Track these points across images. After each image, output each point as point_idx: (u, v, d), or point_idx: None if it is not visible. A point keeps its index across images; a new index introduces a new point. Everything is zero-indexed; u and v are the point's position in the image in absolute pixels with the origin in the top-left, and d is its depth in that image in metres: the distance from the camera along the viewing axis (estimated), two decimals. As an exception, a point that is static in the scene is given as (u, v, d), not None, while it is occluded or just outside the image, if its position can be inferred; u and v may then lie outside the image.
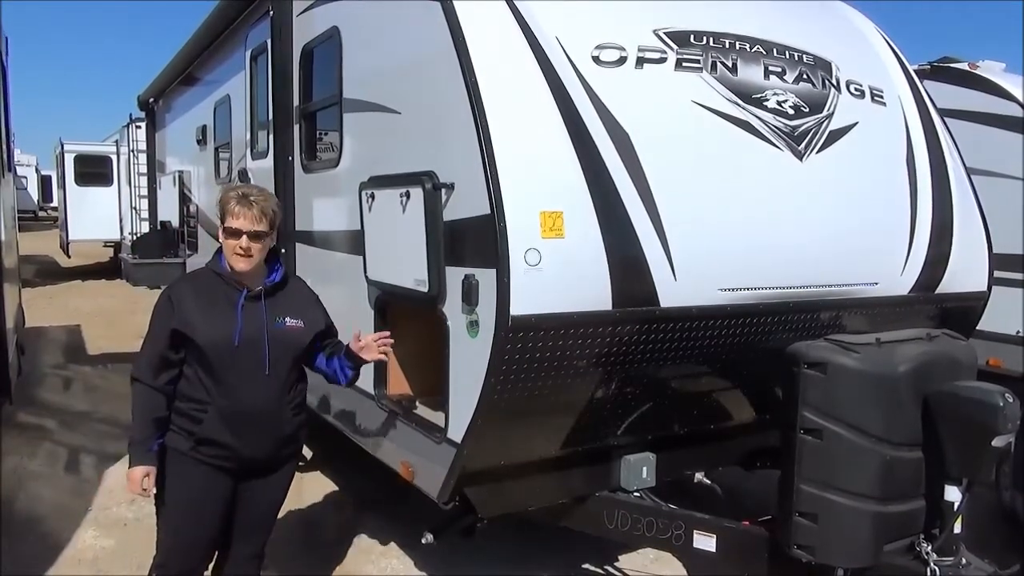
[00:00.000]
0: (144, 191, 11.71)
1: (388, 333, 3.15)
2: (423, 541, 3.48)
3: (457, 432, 3.05)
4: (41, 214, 31.37)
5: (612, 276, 2.90)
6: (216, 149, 6.85)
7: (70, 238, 16.15)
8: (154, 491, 2.80)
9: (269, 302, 2.86)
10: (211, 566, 3.07)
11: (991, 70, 5.77)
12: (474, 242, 2.89)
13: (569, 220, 2.82)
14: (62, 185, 16.85)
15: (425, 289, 3.11)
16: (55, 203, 23.49)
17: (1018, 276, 5.10)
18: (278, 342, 2.83)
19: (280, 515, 4.78)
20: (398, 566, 4.26)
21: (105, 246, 17.45)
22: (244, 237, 2.76)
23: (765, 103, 3.41)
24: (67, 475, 5.45)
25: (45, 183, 30.56)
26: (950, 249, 3.96)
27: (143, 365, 2.78)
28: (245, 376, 2.77)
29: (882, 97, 3.97)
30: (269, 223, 2.81)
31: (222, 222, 2.81)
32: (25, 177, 28.13)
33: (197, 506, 2.83)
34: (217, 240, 6.66)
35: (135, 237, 12.00)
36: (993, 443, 2.78)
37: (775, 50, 3.57)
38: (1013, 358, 5.08)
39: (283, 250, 4.77)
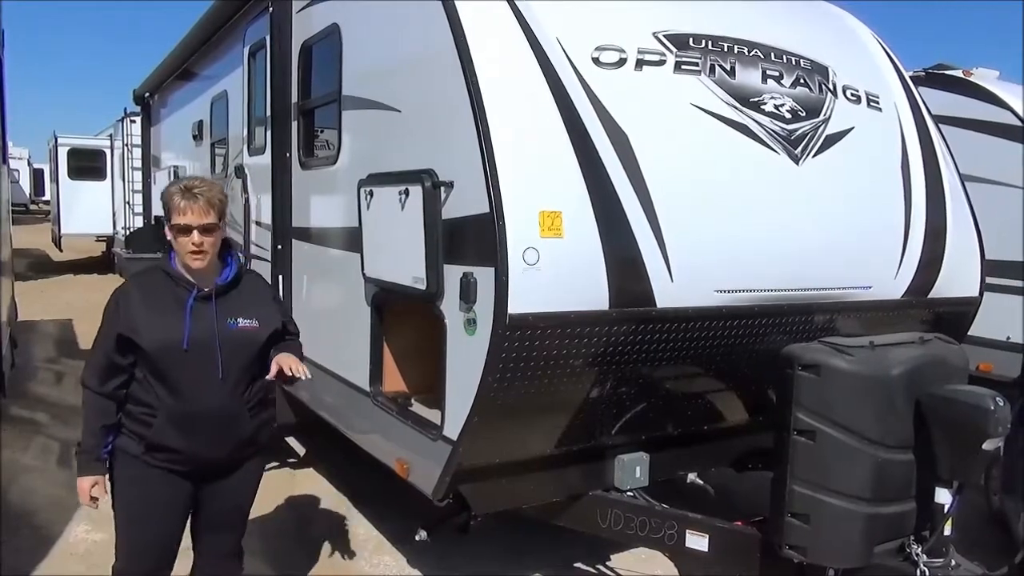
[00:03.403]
0: (138, 186, 11.69)
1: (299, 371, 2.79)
2: (417, 538, 3.49)
3: (453, 429, 3.06)
4: (33, 207, 31.21)
5: (609, 276, 2.92)
6: (212, 145, 6.85)
7: (63, 232, 16.10)
8: (107, 498, 2.70)
9: (220, 301, 2.73)
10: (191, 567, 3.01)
11: (985, 77, 5.82)
12: (473, 240, 2.90)
13: (568, 220, 2.84)
14: (55, 179, 16.80)
15: (423, 287, 3.12)
16: (47, 197, 23.38)
17: (1007, 283, 5.15)
18: (231, 344, 2.71)
19: (273, 511, 4.82)
20: (391, 563, 4.27)
21: (97, 240, 17.39)
22: (195, 232, 2.62)
23: (762, 107, 3.43)
24: (59, 469, 5.43)
25: (37, 176, 30.38)
26: (943, 254, 3.99)
27: (91, 371, 2.67)
28: (197, 380, 2.65)
29: (878, 103, 4.00)
30: (218, 214, 2.68)
31: (168, 220, 2.67)
32: (17, 170, 27.96)
33: (150, 510, 2.73)
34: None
35: (129, 232, 11.97)
36: (984, 446, 2.81)
37: (773, 54, 3.60)
38: (1003, 362, 5.12)
39: (283, 249, 4.78)
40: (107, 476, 2.71)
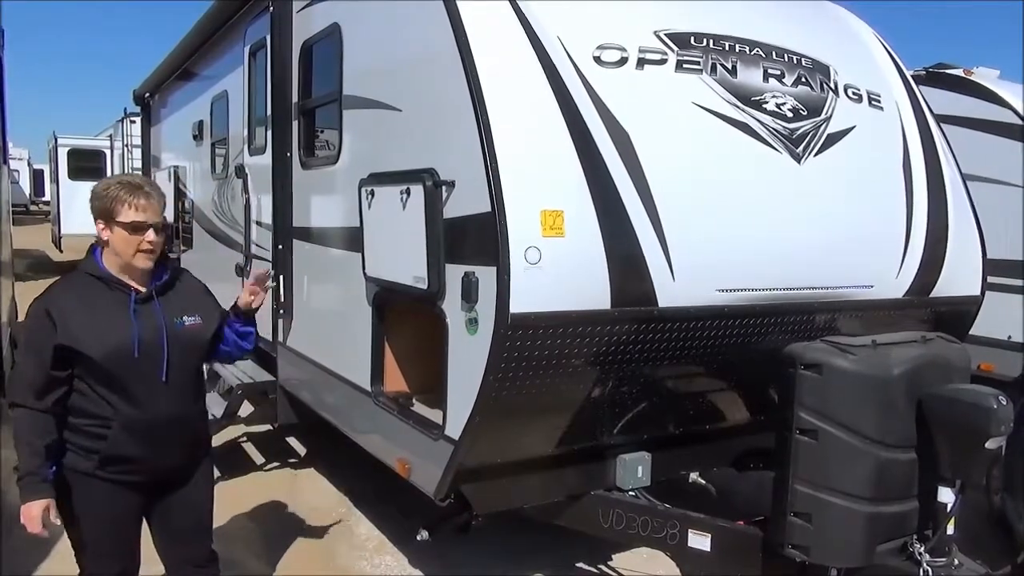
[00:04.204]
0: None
1: (266, 271, 3.06)
2: (418, 538, 3.49)
3: (455, 429, 3.06)
4: (33, 208, 31.18)
5: (611, 275, 2.92)
6: (212, 145, 6.84)
7: (63, 232, 16.09)
8: (57, 522, 2.52)
9: (162, 301, 2.64)
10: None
11: (986, 77, 5.82)
12: (474, 240, 2.90)
13: (569, 219, 2.83)
14: (55, 179, 16.80)
15: (424, 286, 3.11)
16: (47, 197, 23.38)
17: (1008, 282, 5.14)
18: (179, 344, 2.63)
19: (274, 511, 4.81)
20: (392, 563, 4.27)
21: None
22: (151, 231, 2.53)
23: (764, 105, 3.43)
24: (59, 469, 5.42)
25: (37, 177, 30.37)
26: (945, 253, 3.99)
27: (24, 388, 2.49)
28: (149, 385, 2.56)
29: (879, 102, 4.00)
30: (163, 213, 2.61)
31: (112, 217, 2.52)
32: (17, 171, 27.95)
33: (107, 527, 2.64)
34: (214, 236, 6.59)
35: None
36: (986, 445, 2.80)
37: (774, 53, 3.59)
38: (1004, 362, 5.12)
39: (284, 249, 4.77)
40: (55, 499, 2.52)
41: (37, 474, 2.48)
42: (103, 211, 2.56)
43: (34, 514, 2.46)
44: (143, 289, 2.62)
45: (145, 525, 2.83)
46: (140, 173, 11.60)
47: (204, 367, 2.98)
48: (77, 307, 2.52)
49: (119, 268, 2.61)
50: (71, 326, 2.48)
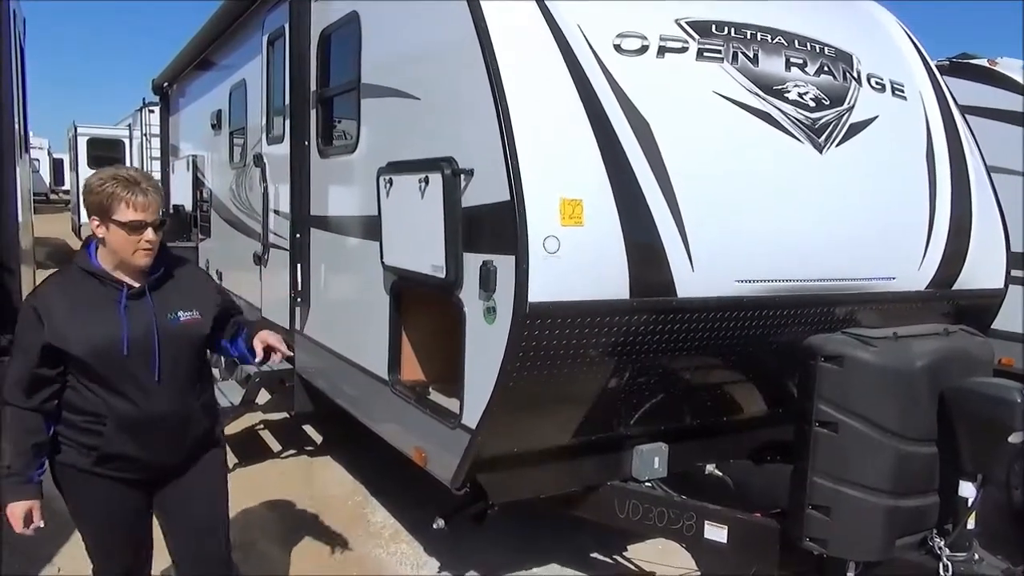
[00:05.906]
0: (157, 175, 11.76)
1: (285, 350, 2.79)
2: (434, 526, 3.49)
3: (472, 418, 3.06)
4: (53, 197, 31.47)
5: (630, 265, 2.90)
6: (231, 134, 6.86)
7: (82, 221, 16.24)
8: (41, 524, 2.49)
9: (156, 296, 2.53)
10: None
11: (1010, 67, 5.74)
12: (493, 229, 2.89)
13: (589, 208, 2.82)
14: (75, 168, 16.97)
15: (442, 275, 3.11)
16: (67, 186, 23.62)
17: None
18: (173, 340, 2.53)
19: (290, 499, 4.84)
20: (407, 551, 4.29)
21: (116, 229, 17.47)
22: (150, 229, 2.43)
23: (786, 95, 3.39)
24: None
25: (57, 166, 30.66)
26: (968, 246, 3.94)
27: (12, 386, 2.44)
28: (143, 383, 2.49)
29: (903, 91, 3.94)
30: (161, 208, 2.50)
31: (109, 215, 2.40)
32: (37, 160, 28.21)
33: (110, 524, 2.61)
34: (232, 225, 6.61)
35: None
36: (1008, 440, 2.77)
37: (796, 42, 3.55)
38: (1027, 357, 5.07)
39: (302, 237, 4.79)
40: (42, 500, 2.49)
41: (21, 475, 2.45)
42: (99, 207, 2.44)
43: (17, 515, 2.45)
44: (136, 285, 2.53)
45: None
46: (137, 166, 11.66)
47: (211, 357, 2.89)
48: (66, 304, 2.45)
49: (114, 265, 2.51)
50: (58, 324, 2.42)
